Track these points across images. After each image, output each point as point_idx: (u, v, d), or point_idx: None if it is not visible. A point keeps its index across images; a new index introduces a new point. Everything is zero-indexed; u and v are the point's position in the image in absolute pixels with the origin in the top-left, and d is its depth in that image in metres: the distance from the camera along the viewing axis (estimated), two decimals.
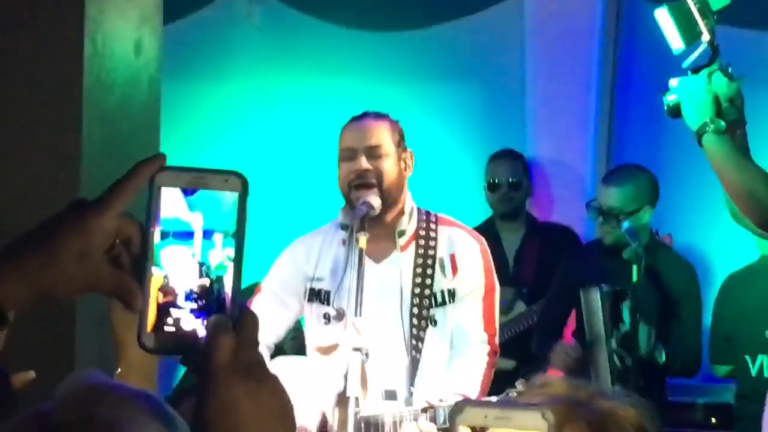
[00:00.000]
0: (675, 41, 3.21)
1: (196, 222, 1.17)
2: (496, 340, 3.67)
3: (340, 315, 3.55)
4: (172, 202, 1.18)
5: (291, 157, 6.06)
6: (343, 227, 3.64)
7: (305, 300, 3.69)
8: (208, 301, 1.17)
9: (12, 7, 3.69)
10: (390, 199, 3.59)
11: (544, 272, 5.05)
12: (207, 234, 1.17)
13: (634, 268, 4.32)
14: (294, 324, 3.84)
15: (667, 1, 3.20)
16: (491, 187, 5.36)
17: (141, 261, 1.18)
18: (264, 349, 3.68)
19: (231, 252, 1.17)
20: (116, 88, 3.83)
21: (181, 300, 1.17)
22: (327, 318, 3.62)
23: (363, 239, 3.43)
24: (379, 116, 3.68)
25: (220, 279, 1.17)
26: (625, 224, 4.50)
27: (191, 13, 6.08)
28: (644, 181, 4.60)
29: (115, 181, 1.20)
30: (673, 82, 3.24)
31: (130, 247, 1.20)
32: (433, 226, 3.67)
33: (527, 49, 5.81)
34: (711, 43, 3.19)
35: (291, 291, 3.71)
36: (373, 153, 3.58)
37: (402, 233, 3.64)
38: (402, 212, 3.64)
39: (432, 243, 3.65)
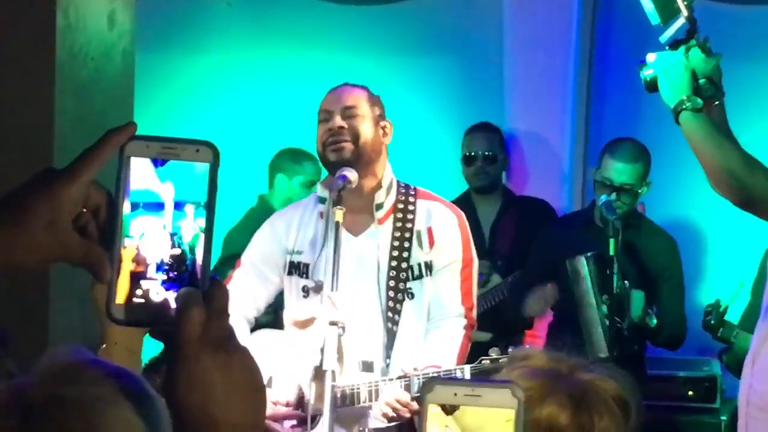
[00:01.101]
0: (653, 16, 3.19)
1: (167, 193, 1.16)
2: (474, 313, 3.68)
3: (319, 287, 3.55)
4: (142, 173, 1.16)
5: (266, 130, 6.04)
6: (322, 200, 3.63)
7: (285, 273, 3.69)
8: (180, 272, 1.15)
9: None
10: (365, 160, 3.58)
11: (520, 245, 5.06)
12: (178, 205, 1.16)
13: (612, 241, 4.33)
14: (275, 298, 3.83)
15: None
16: (467, 160, 5.35)
17: (110, 231, 1.16)
18: (244, 322, 3.69)
19: (202, 223, 1.16)
20: (89, 61, 3.80)
21: (152, 271, 1.16)
22: (306, 291, 3.62)
23: (339, 213, 3.43)
24: (357, 85, 3.70)
25: (191, 250, 1.15)
26: (603, 197, 4.52)
27: None
28: (649, 157, 4.66)
29: (84, 149, 1.18)
30: (651, 57, 3.22)
31: (98, 217, 1.18)
32: (411, 199, 3.67)
33: (505, 22, 5.79)
34: (689, 18, 3.17)
35: (271, 264, 3.71)
36: (348, 113, 3.58)
37: (380, 206, 3.63)
38: (380, 185, 3.63)
39: (410, 216, 3.64)
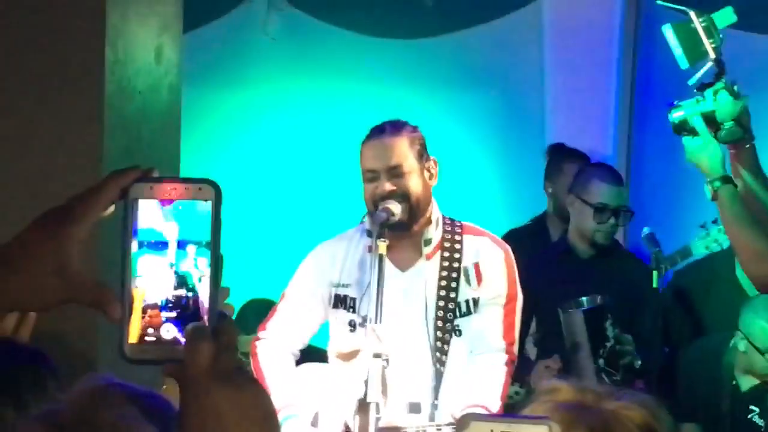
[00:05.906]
0: (682, 61, 3.21)
1: (171, 232, 1.18)
2: (515, 348, 3.64)
3: (366, 322, 3.50)
4: (147, 212, 1.19)
5: (308, 163, 6.07)
6: (369, 234, 3.62)
7: (330, 306, 3.68)
8: (185, 310, 1.18)
9: (33, 15, 3.72)
10: (418, 212, 3.57)
11: None
12: (181, 244, 1.18)
13: (655, 273, 4.29)
14: (318, 329, 3.83)
15: (672, 19, 3.20)
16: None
17: (120, 271, 1.18)
18: (289, 356, 3.69)
19: (205, 260, 1.18)
20: (137, 95, 3.85)
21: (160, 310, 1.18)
22: (353, 325, 3.62)
23: (383, 246, 3.41)
24: (396, 130, 3.61)
25: (195, 288, 1.18)
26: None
27: (211, 21, 6.11)
28: None
29: (87, 190, 1.21)
30: (678, 105, 3.25)
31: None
32: (458, 236, 3.65)
33: (546, 53, 5.81)
34: (716, 60, 3.17)
35: (316, 296, 3.70)
36: (395, 173, 3.55)
37: (428, 242, 3.62)
38: (429, 221, 3.62)
39: (457, 253, 3.62)
